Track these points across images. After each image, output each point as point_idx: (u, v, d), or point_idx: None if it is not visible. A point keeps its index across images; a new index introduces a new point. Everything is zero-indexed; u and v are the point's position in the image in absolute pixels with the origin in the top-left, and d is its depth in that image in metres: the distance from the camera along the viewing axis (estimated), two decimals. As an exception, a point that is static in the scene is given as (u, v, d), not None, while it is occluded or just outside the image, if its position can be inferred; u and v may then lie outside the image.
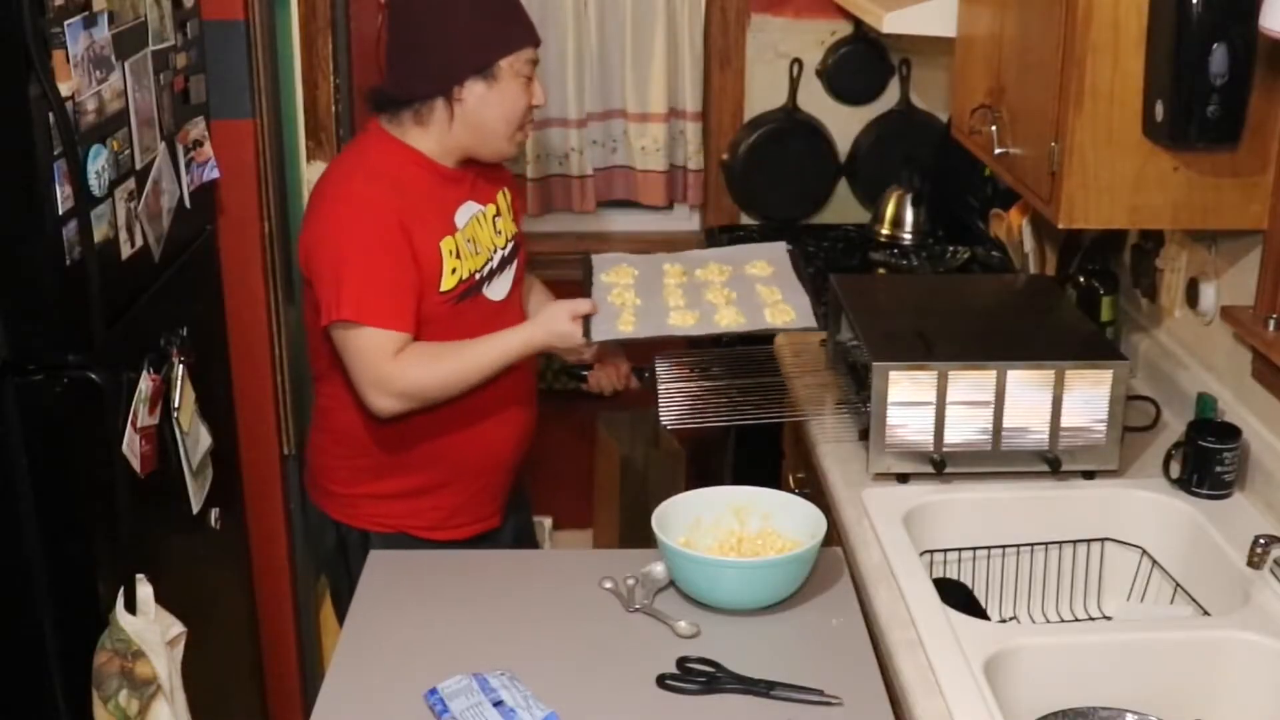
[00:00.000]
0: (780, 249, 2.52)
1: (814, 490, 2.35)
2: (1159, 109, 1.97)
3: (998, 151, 2.39)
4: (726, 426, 3.05)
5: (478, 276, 2.37)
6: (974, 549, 2.15)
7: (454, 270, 2.31)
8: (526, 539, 2.69)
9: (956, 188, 3.37)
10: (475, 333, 2.32)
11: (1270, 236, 2.09)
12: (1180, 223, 2.15)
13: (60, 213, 1.99)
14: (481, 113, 2.30)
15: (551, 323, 2.29)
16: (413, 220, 2.27)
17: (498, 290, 2.43)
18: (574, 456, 3.78)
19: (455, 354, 2.28)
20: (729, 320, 2.27)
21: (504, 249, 2.44)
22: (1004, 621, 2.17)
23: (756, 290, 2.37)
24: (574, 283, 2.55)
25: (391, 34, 2.35)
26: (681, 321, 2.28)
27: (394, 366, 2.23)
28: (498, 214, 2.45)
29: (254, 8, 2.79)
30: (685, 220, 3.86)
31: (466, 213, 2.37)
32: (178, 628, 2.27)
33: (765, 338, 2.57)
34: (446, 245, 2.31)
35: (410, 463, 2.41)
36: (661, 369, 2.43)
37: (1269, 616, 1.85)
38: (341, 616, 2.15)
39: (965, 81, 2.65)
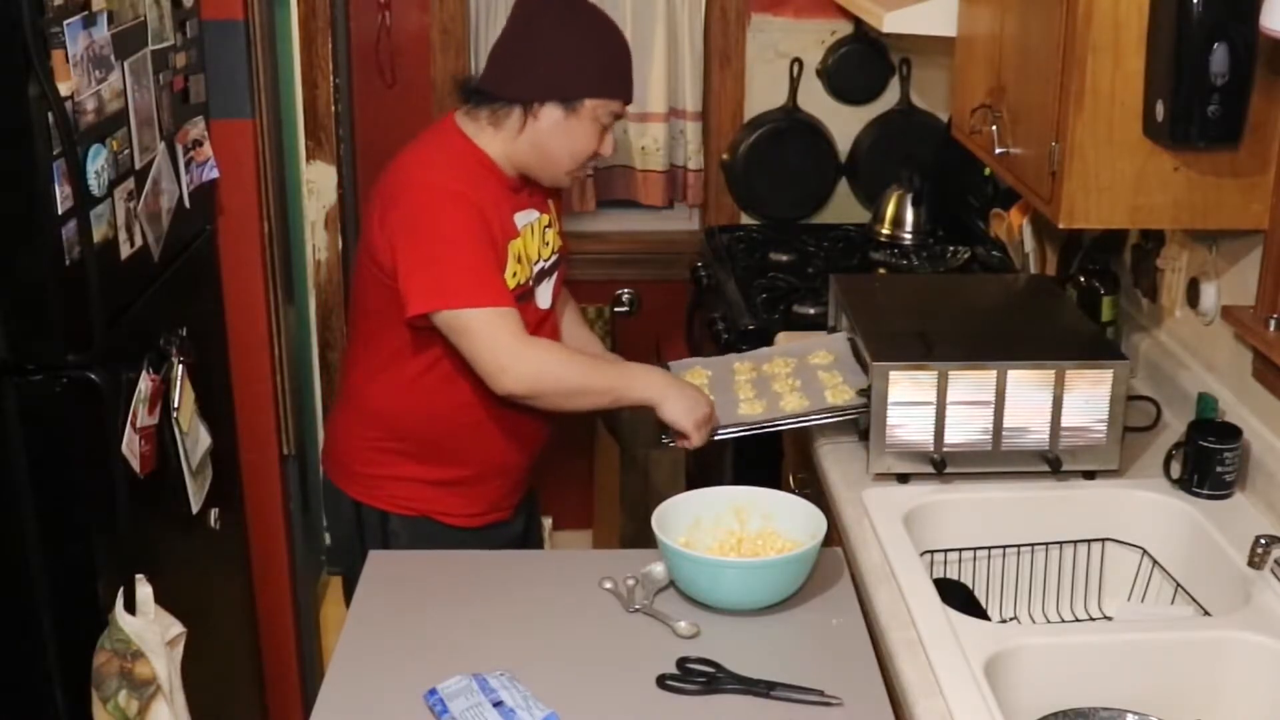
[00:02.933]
0: (841, 339, 2.53)
1: (814, 490, 2.35)
2: (1159, 109, 1.96)
3: (998, 151, 2.39)
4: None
5: (530, 283, 2.39)
6: (974, 549, 2.15)
7: (515, 274, 2.33)
8: (534, 534, 2.70)
9: (957, 188, 3.36)
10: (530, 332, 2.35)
11: (1271, 236, 2.08)
12: (1181, 222, 2.15)
13: (60, 213, 1.99)
14: (550, 138, 2.31)
15: (692, 391, 2.33)
16: (491, 218, 2.30)
17: (544, 298, 2.45)
18: (574, 456, 3.78)
19: (590, 363, 2.35)
20: (793, 406, 2.33)
21: (546, 261, 2.45)
22: (1004, 622, 2.16)
23: (818, 376, 2.42)
24: (570, 282, 2.56)
25: (507, 30, 2.38)
26: (750, 411, 2.35)
27: (524, 348, 2.24)
28: (548, 225, 2.47)
29: (254, 7, 2.79)
30: (685, 220, 3.86)
31: (523, 220, 2.39)
32: (177, 628, 2.27)
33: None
34: (514, 248, 2.34)
35: (441, 454, 2.42)
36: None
37: (1270, 617, 1.85)
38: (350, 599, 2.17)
39: (965, 81, 2.65)
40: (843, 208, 3.74)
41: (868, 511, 2.12)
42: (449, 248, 2.23)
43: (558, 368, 2.26)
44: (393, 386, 2.39)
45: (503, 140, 2.33)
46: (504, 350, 2.22)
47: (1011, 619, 2.18)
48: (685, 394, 2.30)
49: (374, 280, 2.33)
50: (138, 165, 2.28)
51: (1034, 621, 2.18)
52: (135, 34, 2.28)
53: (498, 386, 2.24)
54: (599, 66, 2.31)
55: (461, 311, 2.21)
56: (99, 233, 2.11)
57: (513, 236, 2.34)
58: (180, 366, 2.42)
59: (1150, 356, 2.50)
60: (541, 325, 2.42)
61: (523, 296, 2.35)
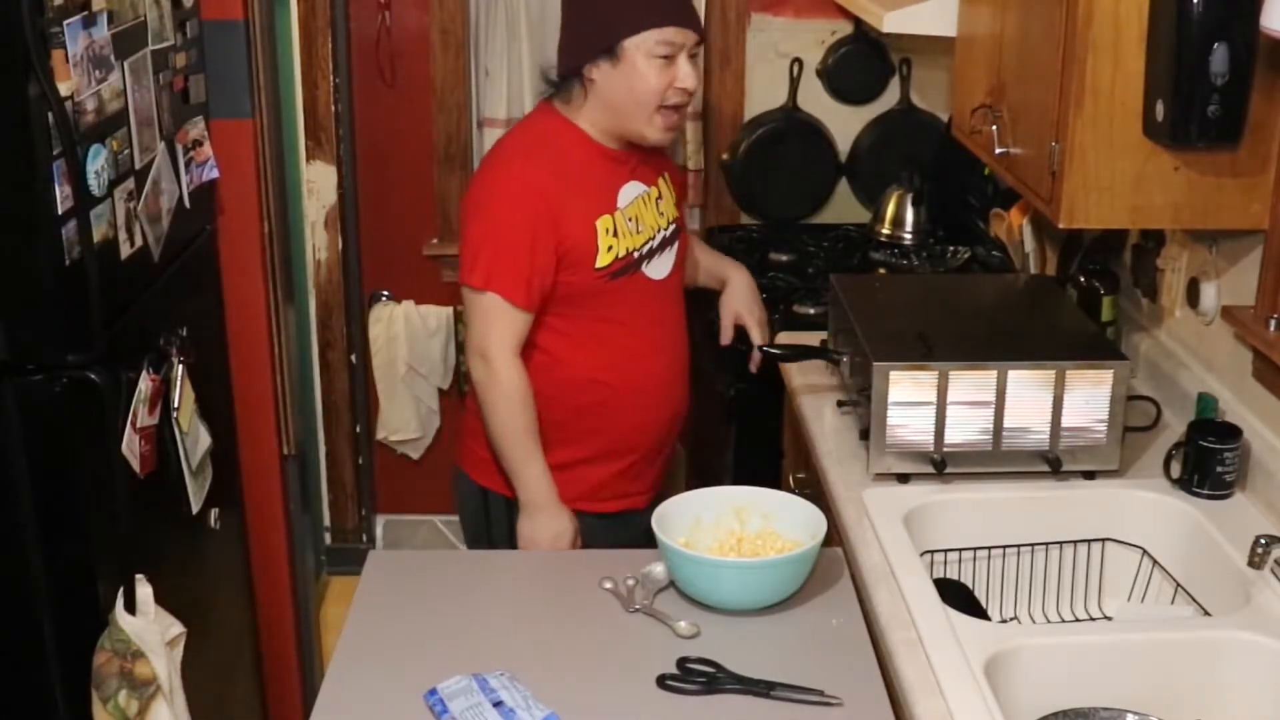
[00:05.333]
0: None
1: (814, 490, 2.35)
2: (1159, 109, 1.96)
3: (998, 151, 2.39)
4: (726, 427, 3.07)
5: (636, 255, 2.42)
6: (974, 549, 2.15)
7: (610, 248, 2.37)
8: None
9: (957, 188, 3.36)
10: (633, 309, 2.42)
11: (1271, 236, 2.08)
12: (1181, 222, 2.15)
13: (59, 213, 1.99)
14: (609, 94, 2.34)
15: (555, 527, 2.39)
16: (568, 200, 2.33)
17: (658, 269, 2.48)
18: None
19: (522, 434, 2.37)
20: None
21: (666, 230, 2.50)
22: (1004, 622, 2.16)
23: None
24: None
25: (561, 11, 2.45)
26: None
27: (511, 363, 2.34)
28: (660, 196, 2.51)
29: (254, 7, 2.79)
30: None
31: (631, 192, 2.43)
32: (177, 628, 2.27)
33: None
34: (604, 224, 2.37)
35: (563, 436, 2.44)
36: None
37: (1270, 617, 1.85)
38: None
39: (965, 81, 2.65)
40: (843, 208, 3.74)
41: (868, 511, 2.12)
42: (491, 235, 2.32)
43: (500, 408, 2.35)
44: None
45: (587, 114, 2.37)
46: (480, 336, 2.34)
47: (1011, 619, 2.18)
48: (547, 526, 2.37)
49: None
50: (138, 165, 2.28)
51: (1034, 621, 2.18)
52: (135, 34, 2.28)
53: (469, 363, 2.40)
54: (629, 5, 2.31)
55: (473, 291, 2.34)
56: (99, 233, 2.11)
57: (607, 211, 2.37)
58: (180, 366, 2.42)
59: (1150, 356, 2.50)
60: (654, 298, 2.46)
61: (625, 269, 2.40)
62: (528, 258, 2.31)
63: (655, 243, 2.48)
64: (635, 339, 2.46)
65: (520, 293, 2.32)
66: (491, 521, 2.52)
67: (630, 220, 2.42)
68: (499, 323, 2.33)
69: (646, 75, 2.31)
